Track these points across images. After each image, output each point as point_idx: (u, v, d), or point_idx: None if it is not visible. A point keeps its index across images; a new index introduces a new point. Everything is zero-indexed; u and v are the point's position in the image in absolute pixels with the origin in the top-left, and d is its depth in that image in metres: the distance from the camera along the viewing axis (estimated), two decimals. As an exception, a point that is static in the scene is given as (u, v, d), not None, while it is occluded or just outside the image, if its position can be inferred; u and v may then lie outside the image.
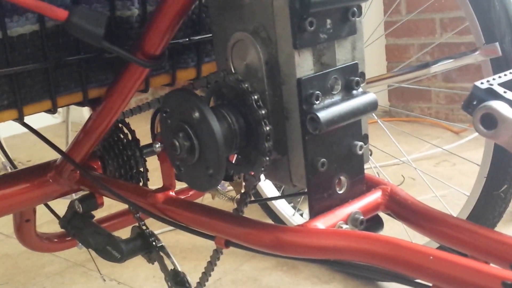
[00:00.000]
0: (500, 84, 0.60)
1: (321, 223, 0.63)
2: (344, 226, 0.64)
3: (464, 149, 1.99)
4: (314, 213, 0.65)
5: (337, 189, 0.67)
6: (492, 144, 1.01)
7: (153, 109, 0.99)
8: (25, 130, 0.95)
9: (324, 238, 0.61)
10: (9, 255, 1.60)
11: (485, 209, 1.06)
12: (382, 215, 0.71)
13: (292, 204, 1.51)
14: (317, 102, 0.63)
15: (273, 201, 1.48)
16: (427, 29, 2.35)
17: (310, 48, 0.63)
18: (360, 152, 0.68)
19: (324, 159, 0.64)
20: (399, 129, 1.98)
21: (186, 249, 1.52)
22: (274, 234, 0.63)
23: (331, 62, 0.65)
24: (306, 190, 0.65)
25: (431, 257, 0.54)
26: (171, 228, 1.58)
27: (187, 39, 0.91)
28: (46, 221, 1.37)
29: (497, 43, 0.92)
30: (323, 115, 0.62)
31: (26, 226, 1.08)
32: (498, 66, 0.94)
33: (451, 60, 1.03)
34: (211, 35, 0.90)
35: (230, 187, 0.97)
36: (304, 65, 0.63)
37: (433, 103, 2.43)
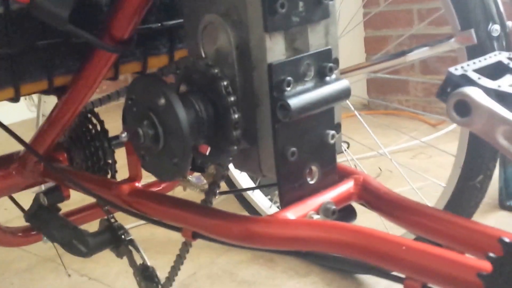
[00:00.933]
0: (475, 70, 0.58)
1: (292, 213, 0.61)
2: (315, 216, 0.62)
3: (441, 141, 1.99)
4: (285, 204, 0.63)
5: (308, 179, 0.64)
6: (467, 134, 1.00)
7: (122, 98, 0.96)
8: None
9: (294, 228, 0.59)
10: (-24, 251, 1.55)
11: (461, 199, 1.05)
12: (359, 207, 0.69)
13: (269, 197, 1.49)
14: (289, 88, 0.60)
15: (249, 194, 1.45)
16: (405, 20, 2.35)
17: (282, 32, 0.61)
18: (332, 141, 0.65)
19: (295, 148, 0.62)
20: (377, 122, 1.97)
21: (161, 243, 1.49)
22: (243, 225, 0.61)
23: (304, 47, 0.63)
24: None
25: (404, 247, 0.52)
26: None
27: (159, 24, 0.88)
28: (16, 216, 1.33)
29: (472, 30, 0.91)
30: (294, 102, 0.59)
31: (-11, 220, 1.04)
32: (473, 54, 0.92)
33: (427, 48, 1.02)
34: (183, 20, 0.87)
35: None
36: (276, 49, 0.60)
37: (411, 95, 2.43)
